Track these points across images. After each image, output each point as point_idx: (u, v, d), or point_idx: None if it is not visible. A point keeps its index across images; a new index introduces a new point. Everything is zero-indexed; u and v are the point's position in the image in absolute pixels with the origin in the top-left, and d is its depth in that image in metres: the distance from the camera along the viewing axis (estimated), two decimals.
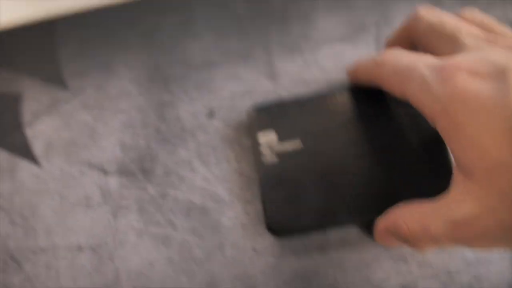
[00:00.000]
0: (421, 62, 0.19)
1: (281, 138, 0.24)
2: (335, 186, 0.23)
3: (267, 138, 0.24)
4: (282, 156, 0.24)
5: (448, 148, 0.19)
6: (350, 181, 0.23)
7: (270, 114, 0.25)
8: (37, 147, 0.29)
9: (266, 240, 0.26)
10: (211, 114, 0.29)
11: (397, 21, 0.29)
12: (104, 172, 0.28)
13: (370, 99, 0.24)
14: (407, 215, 0.20)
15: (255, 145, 0.25)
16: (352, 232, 0.25)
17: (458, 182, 0.18)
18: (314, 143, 0.24)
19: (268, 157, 0.24)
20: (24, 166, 0.29)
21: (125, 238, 0.27)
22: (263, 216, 0.25)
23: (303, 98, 0.25)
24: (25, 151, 0.29)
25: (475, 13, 0.21)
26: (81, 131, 0.29)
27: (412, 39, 0.22)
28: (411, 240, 0.19)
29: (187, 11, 0.31)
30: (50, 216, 0.28)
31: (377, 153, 0.23)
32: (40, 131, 0.30)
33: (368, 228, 0.25)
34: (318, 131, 0.24)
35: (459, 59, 0.18)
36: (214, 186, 0.27)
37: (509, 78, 0.16)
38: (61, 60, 0.31)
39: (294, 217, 0.23)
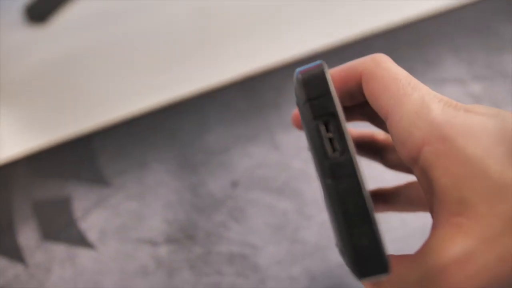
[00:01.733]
0: (424, 86, 0.19)
1: None
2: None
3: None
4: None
5: (436, 181, 0.18)
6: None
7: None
8: (92, 235, 0.39)
9: (299, 268, 0.36)
10: (234, 185, 0.41)
11: None
12: (154, 244, 0.38)
13: None
14: None
15: (346, 129, 0.18)
16: None
17: (441, 222, 0.17)
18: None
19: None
20: (82, 253, 0.39)
21: None
22: (372, 241, 0.17)
23: None
24: (81, 241, 0.39)
25: None
26: (129, 216, 0.40)
27: (359, 80, 0.21)
28: None
29: (201, 111, 0.45)
30: None
31: None
32: (92, 222, 0.40)
33: None
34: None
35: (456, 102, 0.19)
36: (247, 236, 0.38)
37: (504, 114, 0.17)
38: (101, 164, 0.43)
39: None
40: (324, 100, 0.18)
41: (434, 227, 0.18)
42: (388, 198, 0.28)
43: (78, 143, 0.45)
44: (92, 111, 0.48)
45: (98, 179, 0.42)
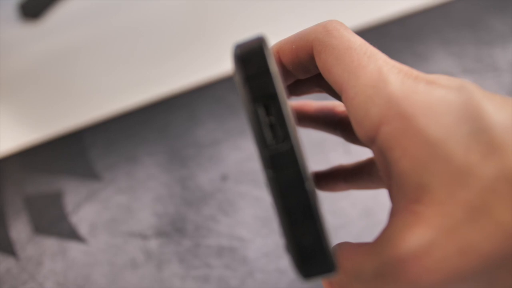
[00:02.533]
0: (381, 55, 0.18)
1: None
2: None
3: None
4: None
5: (394, 164, 0.16)
6: None
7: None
8: (83, 229, 0.40)
9: (286, 261, 0.36)
10: (224, 178, 0.41)
11: None
12: (144, 237, 0.39)
13: None
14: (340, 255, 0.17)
15: (284, 106, 0.16)
16: None
17: (399, 209, 0.16)
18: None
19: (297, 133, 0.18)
20: (73, 247, 0.39)
21: (171, 285, 0.36)
22: (315, 239, 0.16)
23: None
24: (72, 234, 0.40)
25: None
26: (119, 210, 0.40)
27: (311, 51, 0.19)
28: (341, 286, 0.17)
29: (191, 106, 0.45)
30: (103, 281, 0.37)
31: None
32: (83, 216, 0.40)
33: None
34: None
35: (418, 72, 0.17)
36: (236, 229, 0.38)
37: (468, 88, 0.16)
38: (92, 159, 0.43)
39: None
40: (263, 80, 0.16)
41: (392, 214, 0.16)
42: (348, 176, 0.26)
43: (69, 138, 0.45)
44: (83, 106, 0.48)
45: (89, 174, 0.42)
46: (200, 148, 0.43)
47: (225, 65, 0.50)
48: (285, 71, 0.21)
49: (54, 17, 0.59)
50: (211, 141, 0.43)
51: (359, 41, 0.18)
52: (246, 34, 0.53)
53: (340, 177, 0.26)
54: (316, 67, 0.20)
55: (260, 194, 0.39)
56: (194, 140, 0.43)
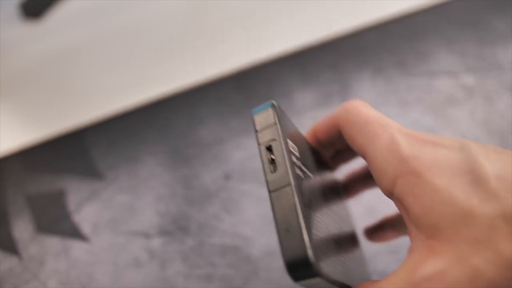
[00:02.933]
0: (394, 123, 0.21)
1: (303, 161, 0.22)
2: (344, 246, 0.23)
3: (294, 151, 0.22)
4: (306, 178, 0.21)
5: (409, 209, 0.19)
6: (350, 247, 0.23)
7: (289, 127, 0.23)
8: (85, 228, 0.40)
9: None
10: (227, 177, 0.41)
11: (355, 88, 0.45)
12: (147, 236, 0.39)
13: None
14: None
15: (285, 149, 0.20)
16: None
17: (417, 245, 0.19)
18: (320, 185, 0.23)
19: (297, 168, 0.21)
20: (76, 246, 0.39)
21: (175, 284, 0.36)
22: (296, 244, 0.18)
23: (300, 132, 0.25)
24: (75, 234, 0.39)
25: None
26: (122, 209, 0.40)
27: (338, 128, 0.24)
28: None
29: (194, 105, 0.45)
30: (106, 280, 0.37)
31: (348, 225, 0.26)
32: (85, 215, 0.40)
33: None
34: (320, 182, 0.24)
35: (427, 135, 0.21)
36: (240, 228, 0.38)
37: (468, 146, 0.19)
38: (94, 158, 0.43)
39: (330, 261, 0.20)
40: (268, 131, 0.21)
41: (411, 250, 0.19)
42: (396, 224, 0.30)
43: (71, 138, 0.45)
44: (85, 106, 0.48)
45: (91, 173, 0.42)
46: (203, 147, 0.43)
47: (227, 64, 0.50)
48: (323, 145, 0.27)
49: (55, 17, 0.59)
50: (213, 140, 0.43)
51: (375, 114, 0.22)
52: (247, 33, 0.53)
53: (388, 227, 0.30)
54: (344, 139, 0.25)
55: (264, 193, 0.39)
56: (196, 139, 0.43)
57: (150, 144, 0.43)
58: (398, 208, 0.21)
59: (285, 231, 0.18)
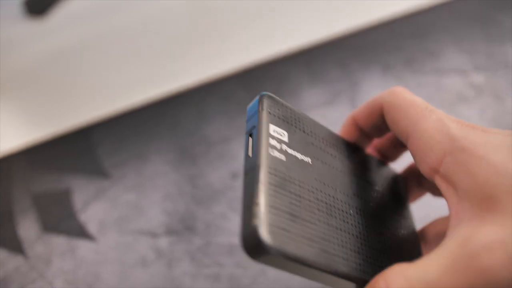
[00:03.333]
0: (440, 110, 0.22)
1: (292, 144, 0.23)
2: (336, 228, 0.21)
3: (278, 134, 0.22)
4: (290, 159, 0.22)
5: (459, 184, 0.19)
6: (349, 230, 0.22)
7: (284, 113, 0.23)
8: (91, 227, 0.39)
9: None
10: (234, 176, 0.41)
11: (363, 86, 0.44)
12: (154, 235, 0.38)
13: (363, 158, 0.27)
14: (392, 273, 0.19)
15: (261, 134, 0.21)
16: None
17: (467, 219, 0.18)
18: (323, 171, 0.23)
19: (277, 152, 0.21)
20: (82, 245, 0.39)
21: (182, 283, 0.36)
22: (249, 219, 0.18)
23: (312, 121, 0.25)
24: (81, 233, 0.39)
25: None
26: (128, 208, 0.40)
27: (381, 112, 0.25)
28: None
29: (200, 103, 0.45)
30: (112, 279, 0.37)
31: (372, 211, 0.24)
32: (91, 214, 0.40)
33: None
34: (327, 162, 0.24)
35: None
36: None
37: None
38: (100, 156, 0.43)
39: (299, 238, 0.19)
40: (251, 121, 0.22)
41: (457, 224, 0.19)
42: (422, 178, 0.29)
43: (77, 135, 0.45)
44: (91, 103, 0.48)
45: (97, 171, 0.42)
46: (210, 145, 0.42)
47: (234, 62, 0.50)
48: (362, 134, 0.27)
49: (60, 14, 0.59)
50: (220, 139, 0.43)
51: (420, 100, 0.23)
52: (255, 31, 0.53)
53: (414, 181, 0.29)
54: (386, 124, 0.25)
55: None
56: (203, 137, 0.43)
57: (157, 142, 0.43)
58: (441, 187, 0.21)
59: (245, 208, 0.19)
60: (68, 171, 0.42)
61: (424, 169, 0.21)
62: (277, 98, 0.24)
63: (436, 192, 0.28)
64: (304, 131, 0.24)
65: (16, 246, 0.38)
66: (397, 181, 0.29)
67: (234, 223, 0.38)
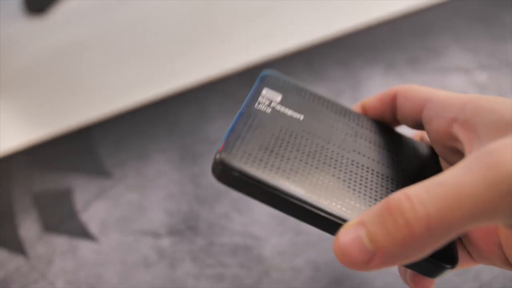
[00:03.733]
0: None
1: (285, 103, 0.24)
2: (313, 167, 0.22)
3: (271, 95, 0.24)
4: (277, 113, 0.23)
5: (479, 125, 0.19)
6: (331, 171, 0.22)
7: (283, 84, 0.25)
8: (93, 227, 0.39)
9: (303, 258, 0.36)
10: None
11: (365, 85, 0.44)
12: (156, 235, 0.38)
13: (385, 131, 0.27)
14: (410, 187, 0.17)
15: (254, 93, 0.24)
16: None
17: (488, 140, 0.18)
18: (317, 126, 0.24)
19: (262, 106, 0.23)
20: (83, 245, 0.38)
21: (184, 284, 0.36)
22: (222, 148, 0.20)
23: (323, 96, 0.26)
24: (82, 233, 0.39)
25: None
26: (130, 208, 0.40)
27: (393, 98, 0.26)
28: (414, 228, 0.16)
29: (202, 102, 0.44)
30: (114, 280, 0.36)
31: (382, 170, 0.24)
32: (93, 214, 0.40)
33: None
34: (325, 122, 0.25)
35: None
36: (251, 227, 0.38)
37: None
38: (102, 156, 0.43)
39: (263, 164, 0.20)
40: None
41: (476, 147, 0.19)
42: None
43: (78, 135, 0.44)
44: (92, 102, 0.47)
45: (98, 171, 0.42)
46: (212, 144, 0.42)
47: (236, 61, 0.49)
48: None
49: (60, 12, 0.59)
50: (222, 138, 0.42)
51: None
52: (257, 29, 0.53)
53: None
54: (394, 116, 0.26)
55: None
56: (205, 136, 0.43)
57: (159, 141, 0.43)
58: (459, 134, 0.21)
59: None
60: (69, 170, 0.42)
61: (441, 126, 0.22)
62: (280, 74, 0.26)
63: (449, 157, 0.25)
64: (304, 97, 0.25)
65: (16, 246, 0.38)
66: (427, 153, 0.27)
67: (237, 223, 0.38)
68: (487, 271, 0.34)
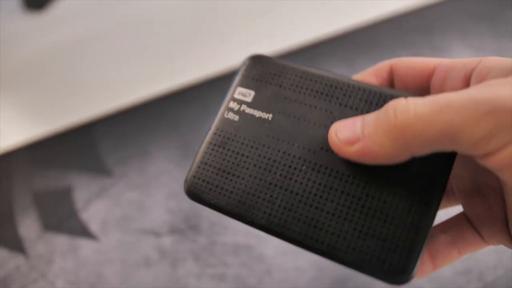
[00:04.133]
0: None
1: (255, 103, 0.24)
2: (269, 183, 0.22)
3: (242, 95, 0.24)
4: (245, 118, 0.24)
5: (494, 69, 0.19)
6: (288, 187, 0.22)
7: (262, 72, 0.25)
8: (93, 226, 0.39)
9: (306, 258, 0.36)
10: None
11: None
12: (158, 234, 0.38)
13: None
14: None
15: (225, 99, 0.25)
16: None
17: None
18: (285, 126, 0.23)
19: (231, 114, 0.24)
20: (84, 244, 0.38)
21: (186, 284, 0.36)
22: (188, 171, 0.23)
23: (313, 71, 0.24)
24: (83, 232, 0.39)
25: None
26: (131, 206, 0.39)
27: (390, 71, 0.24)
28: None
29: (204, 99, 0.44)
30: (115, 279, 0.36)
31: (349, 172, 0.21)
32: (93, 213, 0.39)
33: None
34: (298, 116, 0.23)
35: None
36: None
37: None
38: (102, 153, 0.42)
39: (218, 190, 0.22)
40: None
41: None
42: None
43: (79, 132, 0.44)
44: (93, 99, 0.47)
45: (99, 169, 0.41)
46: None
47: (238, 58, 0.49)
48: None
49: (60, 9, 0.58)
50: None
51: None
52: (259, 27, 0.53)
53: None
54: (390, 85, 0.24)
55: None
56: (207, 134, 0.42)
57: (161, 139, 0.42)
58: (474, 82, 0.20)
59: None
60: (69, 168, 0.42)
61: (456, 85, 0.21)
62: (265, 56, 0.25)
63: None
64: (281, 86, 0.24)
65: (16, 246, 0.38)
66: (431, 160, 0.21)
67: (239, 223, 0.38)
68: (491, 272, 0.34)
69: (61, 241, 0.38)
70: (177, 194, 0.39)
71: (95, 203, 0.40)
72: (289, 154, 0.22)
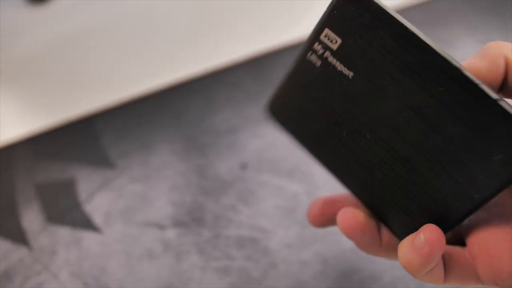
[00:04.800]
0: None
1: (340, 54, 0.22)
2: (339, 139, 0.23)
3: (329, 41, 0.22)
4: (326, 68, 0.23)
5: None
6: (349, 146, 0.23)
7: (355, 19, 0.21)
8: (97, 219, 0.39)
9: (311, 252, 0.36)
10: (243, 167, 0.40)
11: None
12: (161, 227, 0.38)
13: None
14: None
15: (312, 36, 0.23)
16: None
17: None
18: (361, 90, 0.22)
19: (314, 57, 0.23)
20: (87, 236, 0.38)
21: (190, 277, 0.36)
22: (272, 96, 0.25)
23: (414, 38, 0.21)
24: (86, 224, 0.39)
25: None
26: (134, 199, 0.39)
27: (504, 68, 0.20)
28: None
29: (208, 92, 0.44)
30: (119, 272, 0.36)
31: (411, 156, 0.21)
32: (97, 205, 0.39)
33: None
34: (378, 85, 0.21)
35: None
36: (257, 220, 0.37)
37: None
38: (105, 146, 0.42)
39: (300, 121, 0.24)
40: None
41: None
42: None
43: (81, 124, 0.44)
44: (95, 92, 0.47)
45: (102, 161, 0.42)
46: (218, 135, 0.42)
47: (242, 50, 0.49)
48: None
49: (63, 0, 0.58)
50: (228, 129, 0.42)
51: None
52: (263, 19, 0.52)
53: None
54: (502, 82, 0.20)
55: (282, 184, 0.39)
56: (211, 127, 0.42)
57: (164, 131, 0.42)
58: None
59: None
60: (72, 160, 0.42)
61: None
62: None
63: None
64: (370, 43, 0.21)
65: (19, 238, 0.38)
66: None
67: (243, 215, 0.38)
68: None
69: (64, 233, 0.38)
70: (180, 187, 0.39)
71: (98, 196, 0.40)
72: (359, 119, 0.22)
